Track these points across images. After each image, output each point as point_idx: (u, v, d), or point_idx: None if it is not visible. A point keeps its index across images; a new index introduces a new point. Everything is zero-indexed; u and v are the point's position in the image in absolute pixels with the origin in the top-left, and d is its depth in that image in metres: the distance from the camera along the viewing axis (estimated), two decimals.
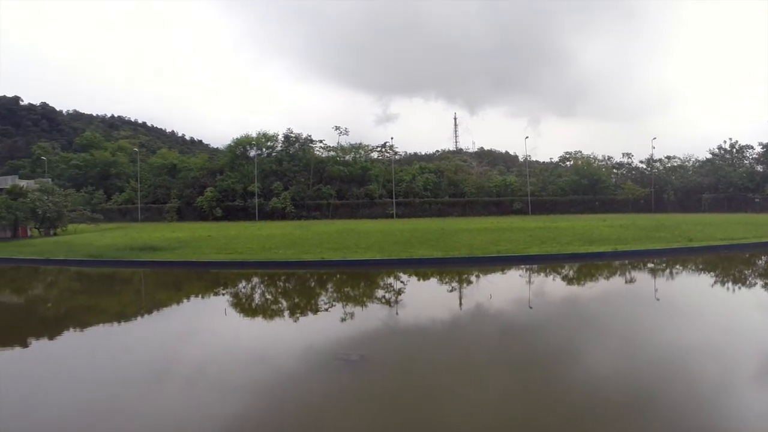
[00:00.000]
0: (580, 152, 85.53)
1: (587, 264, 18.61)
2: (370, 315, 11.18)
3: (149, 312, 13.16)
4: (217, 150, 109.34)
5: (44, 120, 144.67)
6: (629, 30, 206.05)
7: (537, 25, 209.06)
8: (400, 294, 13.85)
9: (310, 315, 11.77)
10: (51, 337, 10.52)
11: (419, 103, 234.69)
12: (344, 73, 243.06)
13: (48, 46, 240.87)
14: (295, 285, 16.39)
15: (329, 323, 10.70)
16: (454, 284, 15.41)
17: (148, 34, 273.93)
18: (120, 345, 9.65)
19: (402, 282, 15.94)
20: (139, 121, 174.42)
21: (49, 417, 5.97)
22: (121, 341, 10.00)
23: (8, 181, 42.28)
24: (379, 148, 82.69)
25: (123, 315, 12.74)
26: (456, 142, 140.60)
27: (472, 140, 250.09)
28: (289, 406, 6.19)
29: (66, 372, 7.87)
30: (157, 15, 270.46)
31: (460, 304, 12.23)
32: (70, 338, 10.38)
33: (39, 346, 9.74)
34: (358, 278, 16.89)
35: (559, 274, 16.85)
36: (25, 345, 9.89)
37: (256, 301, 13.75)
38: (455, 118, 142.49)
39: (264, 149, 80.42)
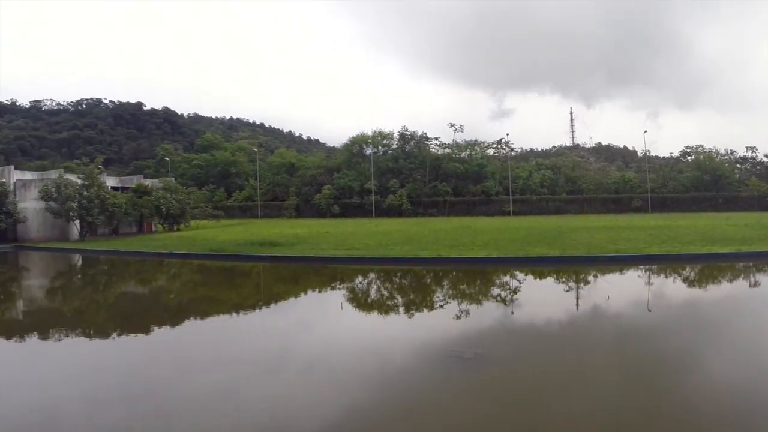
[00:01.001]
0: (702, 146, 79.97)
1: (709, 265, 17.70)
2: (486, 313, 11.27)
3: (267, 304, 14.01)
4: (333, 149, 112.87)
5: (166, 123, 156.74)
6: (747, 13, 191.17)
7: (653, 12, 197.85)
8: (516, 293, 13.88)
9: (425, 311, 12.08)
10: (173, 326, 11.54)
11: (534, 98, 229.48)
12: (458, 69, 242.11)
13: (168, 54, 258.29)
14: (411, 281, 16.83)
15: (444, 320, 10.89)
16: (571, 284, 15.24)
17: (265, 37, 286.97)
18: (237, 335, 10.38)
19: (518, 280, 15.95)
20: (257, 122, 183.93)
21: (166, 400, 6.57)
22: (238, 331, 10.73)
23: (134, 181, 45.82)
24: (494, 145, 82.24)
25: (241, 306, 13.61)
26: (572, 137, 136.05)
27: (589, 135, 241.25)
28: (401, 400, 6.37)
29: (185, 358, 8.58)
30: (272, 17, 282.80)
31: (577, 304, 12.08)
32: (191, 327, 11.33)
33: (161, 333, 10.68)
34: (474, 276, 17.03)
35: (679, 275, 16.25)
36: (148, 332, 10.86)
37: (372, 296, 14.34)
38: (571, 113, 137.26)
39: (380, 147, 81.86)
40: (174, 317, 12.39)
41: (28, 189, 35.64)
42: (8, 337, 10.63)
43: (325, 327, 11.08)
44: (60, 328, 11.33)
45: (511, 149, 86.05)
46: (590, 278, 15.94)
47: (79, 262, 25.84)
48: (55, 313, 13.34)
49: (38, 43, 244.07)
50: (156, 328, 11.22)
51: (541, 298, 13.48)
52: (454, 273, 17.66)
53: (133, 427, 5.71)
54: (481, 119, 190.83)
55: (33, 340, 10.39)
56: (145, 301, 14.95)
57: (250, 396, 6.54)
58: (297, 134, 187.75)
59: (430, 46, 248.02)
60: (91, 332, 11.04)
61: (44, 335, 10.79)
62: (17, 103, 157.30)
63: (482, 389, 6.70)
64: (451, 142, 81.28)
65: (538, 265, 17.80)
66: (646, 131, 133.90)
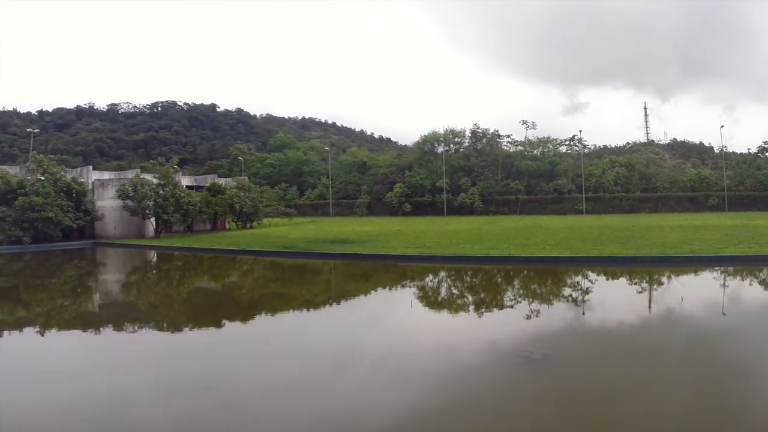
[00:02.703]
0: None
1: None
2: (556, 314, 11.29)
3: (337, 301, 14.38)
4: (405, 147, 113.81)
5: (240, 124, 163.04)
6: None
7: (727, 1, 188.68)
8: (587, 293, 13.89)
9: (495, 310, 12.27)
10: (244, 321, 12.10)
11: (607, 92, 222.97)
12: (530, 65, 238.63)
13: (241, 56, 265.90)
14: (482, 280, 17.06)
15: (513, 319, 11.01)
16: (644, 285, 15.06)
17: (335, 38, 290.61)
18: (307, 331, 10.78)
19: (590, 281, 15.94)
20: (329, 122, 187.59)
21: (235, 394, 6.73)
22: (308, 327, 11.14)
23: (208, 180, 47.29)
24: (567, 142, 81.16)
25: (311, 303, 14.14)
26: (647, 133, 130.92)
27: (664, 131, 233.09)
28: (467, 399, 6.43)
29: (255, 353, 9.02)
30: (343, 18, 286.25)
31: (649, 306, 12.01)
32: (262, 322, 11.85)
33: (233, 328, 11.21)
34: (545, 275, 17.10)
35: (756, 277, 15.74)
36: (219, 326, 11.52)
37: (442, 295, 14.67)
38: (645, 108, 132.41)
39: (451, 145, 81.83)
40: (245, 312, 12.96)
41: (106, 188, 37.44)
42: (85, 329, 11.53)
43: (394, 325, 11.36)
44: (135, 320, 12.18)
45: (584, 146, 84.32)
46: (663, 279, 15.74)
47: (154, 258, 27.18)
48: (131, 306, 14.33)
49: (115, 48, 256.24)
50: (228, 323, 11.80)
51: (613, 299, 13.42)
52: (524, 272, 17.79)
53: (201, 418, 6.02)
54: (553, 115, 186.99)
55: (108, 331, 11.24)
56: (218, 297, 15.72)
57: (318, 392, 6.73)
58: (369, 133, 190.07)
59: (502, 42, 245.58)
60: (165, 325, 11.77)
61: (120, 327, 11.62)
62: (95, 107, 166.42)
63: (549, 391, 6.70)
64: (523, 139, 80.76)
65: (611, 265, 17.65)
66: (722, 126, 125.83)
